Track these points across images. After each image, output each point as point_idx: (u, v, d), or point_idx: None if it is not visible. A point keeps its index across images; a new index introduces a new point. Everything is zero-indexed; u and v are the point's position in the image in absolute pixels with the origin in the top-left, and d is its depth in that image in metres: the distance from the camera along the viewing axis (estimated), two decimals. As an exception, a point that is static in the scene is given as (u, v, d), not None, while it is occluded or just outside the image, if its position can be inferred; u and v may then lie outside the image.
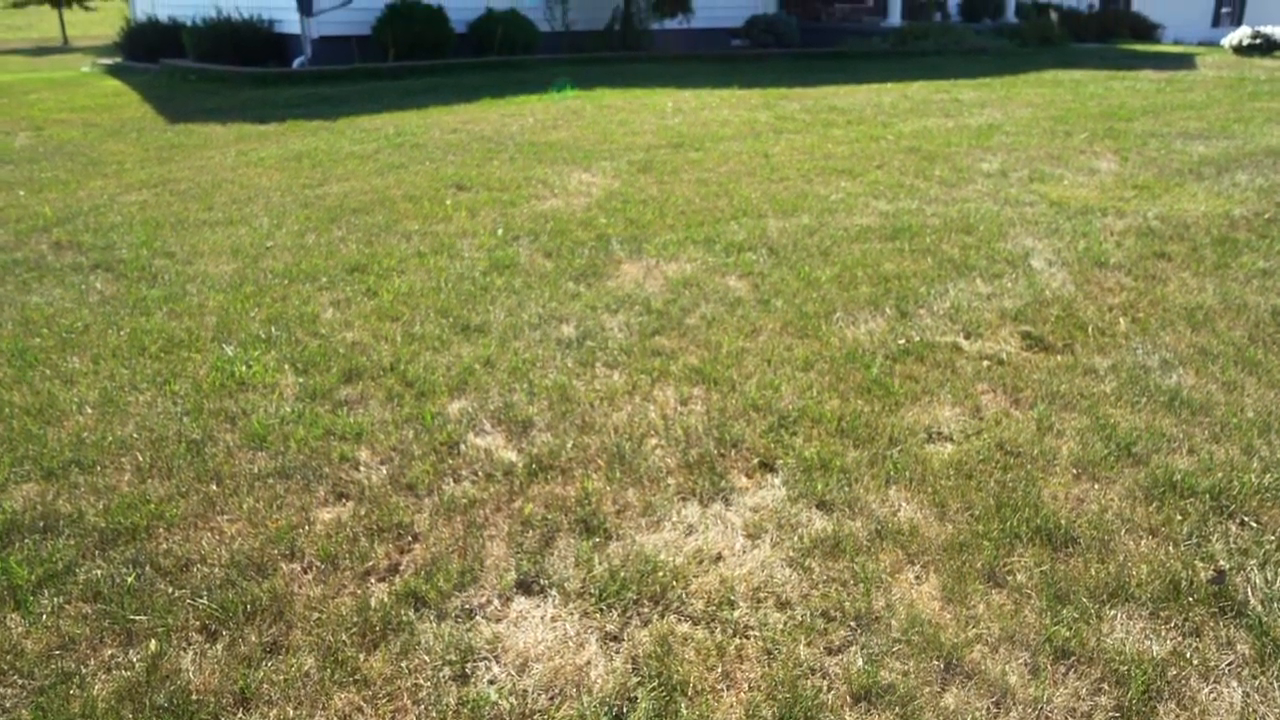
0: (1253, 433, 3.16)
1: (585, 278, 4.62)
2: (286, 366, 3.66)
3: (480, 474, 2.93)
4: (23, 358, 3.76)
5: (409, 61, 13.77)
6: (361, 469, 2.96)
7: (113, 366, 3.66)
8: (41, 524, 2.67)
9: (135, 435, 3.14)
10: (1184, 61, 15.92)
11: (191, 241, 5.29)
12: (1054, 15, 20.87)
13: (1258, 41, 17.81)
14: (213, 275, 4.72)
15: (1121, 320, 4.10)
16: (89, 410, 3.32)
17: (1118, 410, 3.31)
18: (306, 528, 2.66)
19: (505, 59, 14.50)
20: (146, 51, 16.49)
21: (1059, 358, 3.75)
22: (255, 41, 14.50)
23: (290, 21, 14.30)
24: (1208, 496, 2.78)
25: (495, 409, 3.32)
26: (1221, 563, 2.50)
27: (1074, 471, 2.93)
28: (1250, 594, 2.39)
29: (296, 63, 14.01)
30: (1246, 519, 2.69)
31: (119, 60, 17.12)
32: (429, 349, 3.81)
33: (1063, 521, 2.66)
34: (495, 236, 5.27)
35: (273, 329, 4.01)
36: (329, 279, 4.63)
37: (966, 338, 3.93)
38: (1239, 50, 17.96)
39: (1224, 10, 33.06)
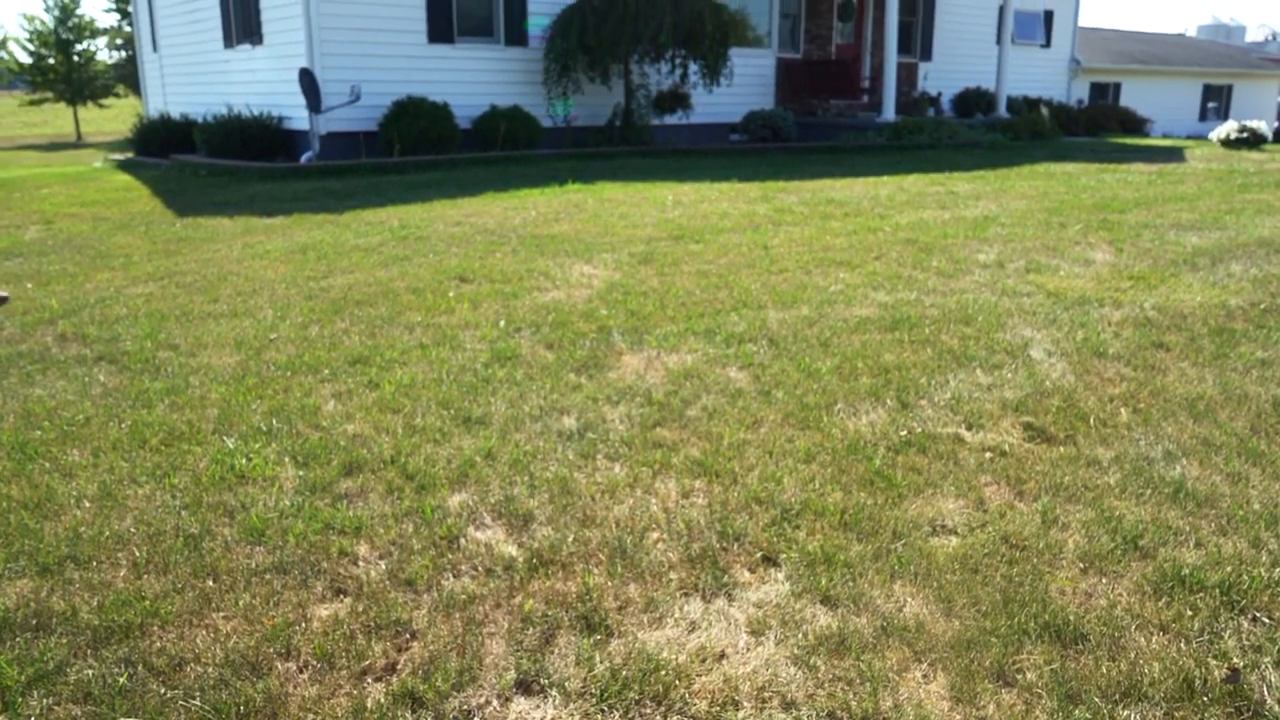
0: (1260, 525, 3.13)
1: (586, 369, 4.64)
2: (287, 459, 3.65)
3: (480, 569, 2.89)
4: (23, 451, 3.75)
5: (414, 156, 14.08)
6: (360, 564, 2.93)
7: (113, 459, 3.65)
8: (34, 622, 2.63)
9: (132, 530, 3.11)
10: (1174, 154, 16.26)
11: (196, 334, 5.32)
12: (1044, 110, 21.41)
13: (1245, 135, 18.24)
14: (216, 367, 4.75)
15: (1123, 411, 4.10)
16: (87, 504, 3.30)
17: (1123, 502, 3.29)
18: (303, 625, 2.62)
19: (508, 154, 14.82)
20: (158, 147, 16.89)
21: (1061, 449, 3.74)
22: (264, 137, 14.85)
23: (299, 118, 14.66)
24: (1218, 591, 2.74)
25: (496, 502, 3.29)
26: (1235, 661, 2.45)
27: (1081, 565, 2.90)
28: (1266, 693, 2.33)
29: (304, 158, 14.32)
30: (1258, 615, 2.65)
31: (131, 155, 17.51)
32: (430, 441, 3.80)
33: (1071, 618, 2.61)
34: (497, 328, 5.31)
35: (274, 421, 4.02)
36: (331, 371, 4.65)
37: (968, 429, 3.92)
38: (1227, 143, 18.37)
39: (1210, 105, 33.92)
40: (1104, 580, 2.82)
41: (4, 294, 5.25)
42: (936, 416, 4.04)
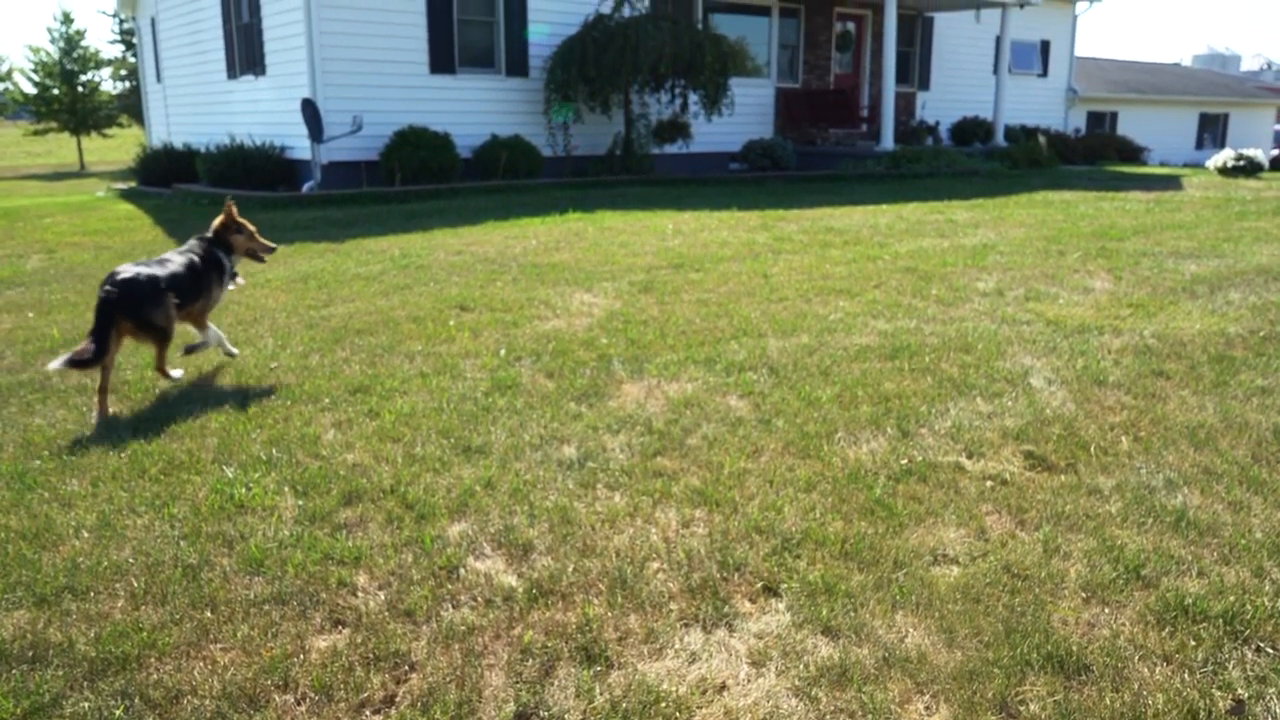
0: (1262, 554, 3.12)
1: (587, 398, 4.64)
2: (286, 489, 3.64)
3: (480, 599, 2.88)
4: (22, 480, 3.74)
5: (415, 186, 14.15)
6: (359, 594, 2.91)
7: (112, 489, 3.65)
8: (30, 653, 2.61)
9: (131, 560, 3.10)
10: (1171, 182, 16.34)
11: (195, 362, 5.32)
12: (1042, 139, 21.54)
13: (1241, 163, 18.34)
14: (215, 396, 4.74)
15: (1123, 439, 4.10)
16: (85, 534, 3.29)
17: (1124, 531, 3.28)
18: (301, 656, 2.60)
19: (509, 183, 14.90)
20: (160, 176, 16.99)
21: (1062, 477, 3.73)
22: (267, 167, 14.95)
23: (301, 148, 14.75)
24: (1221, 621, 2.73)
25: (496, 532, 3.28)
26: (1240, 691, 2.43)
27: (1083, 595, 2.89)
28: (1271, 725, 2.31)
29: (306, 187, 14.40)
30: (1262, 645, 2.63)
31: (134, 185, 17.61)
32: (430, 470, 3.79)
33: (1074, 648, 2.60)
34: (498, 357, 5.32)
35: (274, 450, 4.01)
36: (332, 400, 4.65)
37: (969, 457, 3.92)
38: (1224, 171, 18.46)
39: (1207, 133, 34.14)
40: (1106, 610, 2.81)
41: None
42: (937, 445, 4.04)
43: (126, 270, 4.64)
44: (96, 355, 4.39)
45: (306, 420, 4.38)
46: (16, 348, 5.75)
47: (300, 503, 3.51)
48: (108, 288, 4.51)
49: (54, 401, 4.72)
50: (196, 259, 5.02)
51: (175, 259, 4.95)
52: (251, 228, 5.30)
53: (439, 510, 3.44)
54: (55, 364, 4.38)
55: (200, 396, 4.74)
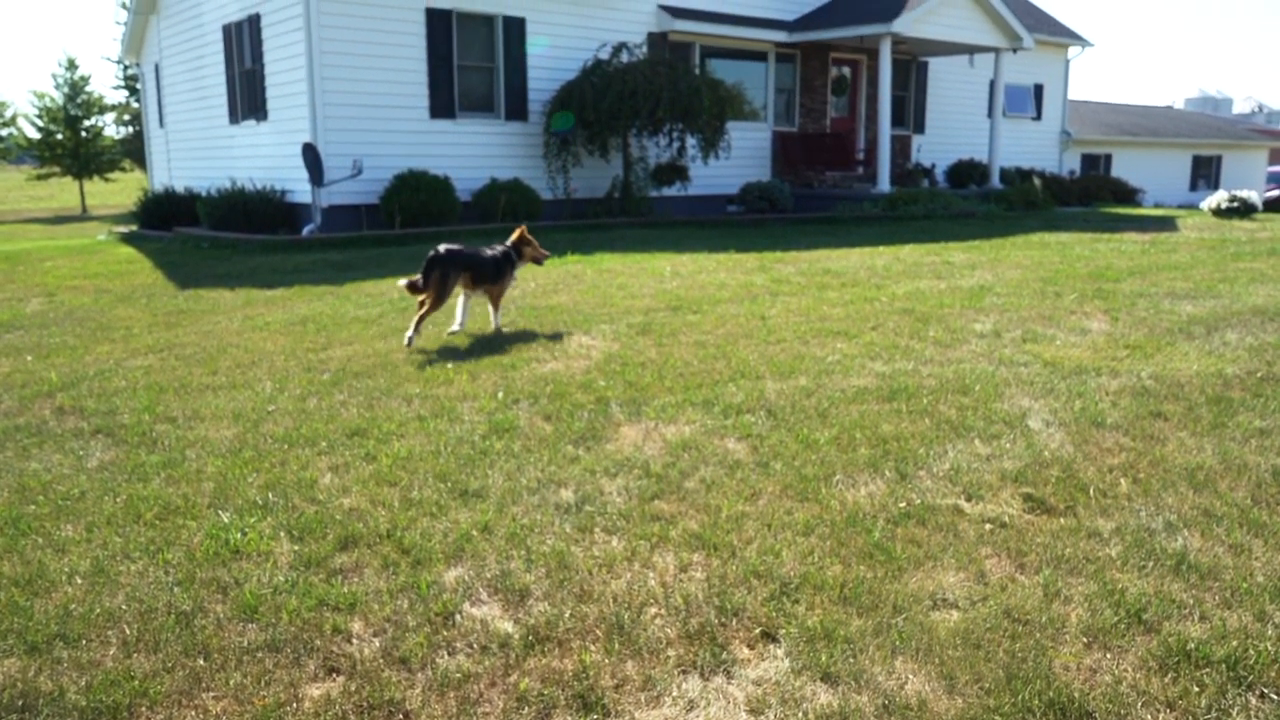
0: (1265, 598, 3.10)
1: (584, 441, 4.63)
2: (282, 534, 3.62)
3: (475, 646, 2.85)
4: (16, 526, 3.72)
5: (415, 229, 14.23)
6: (354, 641, 2.89)
7: (106, 534, 3.63)
8: (20, 703, 2.58)
9: (124, 607, 3.08)
10: (1166, 224, 16.44)
11: (194, 406, 5.33)
12: (1037, 181, 21.69)
13: (1235, 205, 18.47)
14: (213, 440, 4.74)
15: (1122, 481, 4.09)
16: (79, 580, 3.27)
17: (1125, 575, 3.26)
18: (294, 705, 2.57)
19: (508, 226, 14.97)
20: (162, 220, 17.09)
21: (1062, 520, 3.71)
22: (267, 210, 15.04)
23: (302, 191, 14.86)
24: (1224, 666, 2.70)
25: (492, 577, 3.26)
26: (1244, 739, 2.40)
27: (1084, 640, 2.86)
28: (1277, 773, 2.28)
29: (306, 230, 14.48)
30: (1266, 691, 2.61)
31: (135, 228, 17.70)
32: (426, 515, 3.78)
33: (1076, 694, 2.57)
34: (495, 400, 5.31)
35: (270, 495, 4.00)
36: (329, 443, 4.64)
37: (967, 500, 3.90)
38: (1218, 213, 18.59)
39: (1200, 175, 34.44)
40: (1108, 655, 2.78)
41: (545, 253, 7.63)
42: (935, 488, 4.03)
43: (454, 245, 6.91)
44: (421, 286, 6.78)
45: (303, 464, 4.37)
46: (14, 391, 5.75)
47: (296, 548, 3.49)
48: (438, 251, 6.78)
49: (50, 446, 4.71)
50: (501, 255, 7.13)
51: (489, 251, 7.10)
52: (535, 241, 7.41)
53: (435, 555, 3.42)
54: (402, 283, 6.95)
55: (197, 440, 4.74)
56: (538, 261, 7.46)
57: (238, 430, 4.89)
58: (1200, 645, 2.80)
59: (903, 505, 3.83)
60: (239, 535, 3.60)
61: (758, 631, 2.92)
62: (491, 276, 7.00)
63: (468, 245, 7.05)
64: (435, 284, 6.69)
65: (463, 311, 7.17)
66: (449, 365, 6.10)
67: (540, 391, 5.45)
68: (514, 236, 7.28)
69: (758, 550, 3.44)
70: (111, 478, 4.24)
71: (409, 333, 6.66)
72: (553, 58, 16.58)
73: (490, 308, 7.19)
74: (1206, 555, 3.40)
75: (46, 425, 5.05)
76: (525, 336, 6.91)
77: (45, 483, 4.20)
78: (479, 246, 7.15)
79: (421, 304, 6.77)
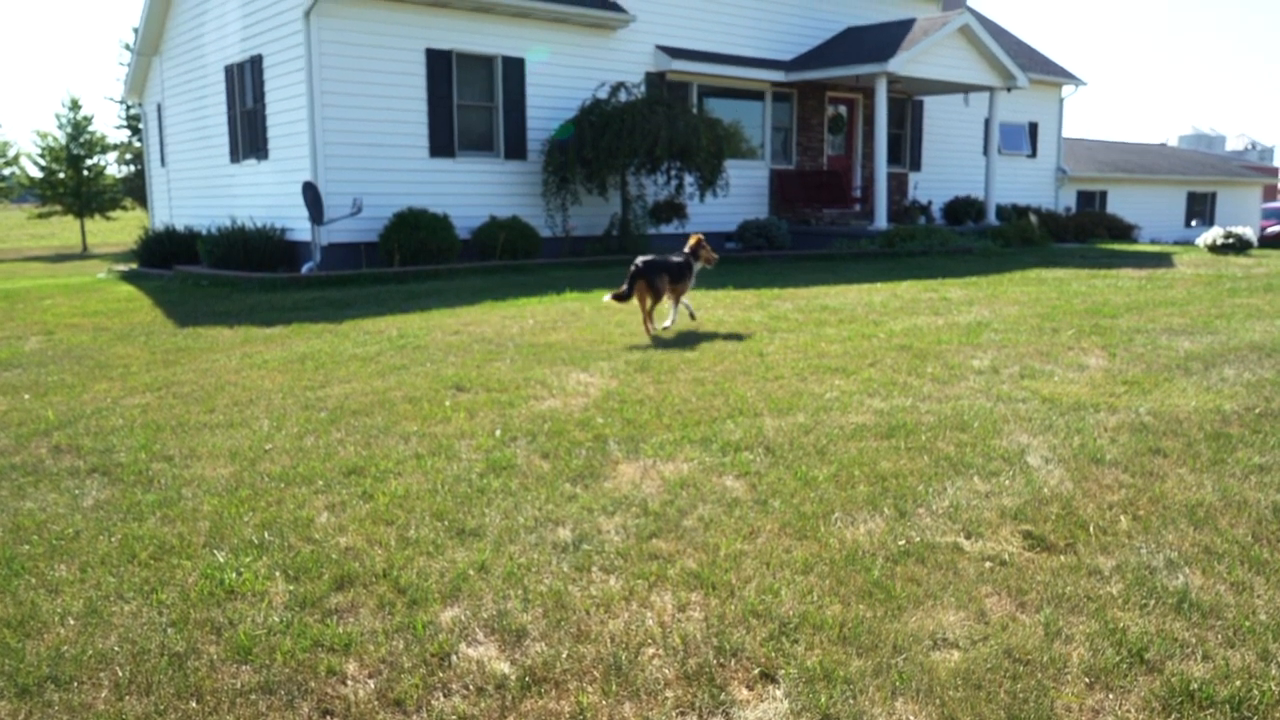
0: (1268, 636, 3.07)
1: (582, 479, 4.61)
2: (277, 573, 3.60)
3: (471, 687, 2.82)
4: (9, 566, 3.70)
5: (414, 266, 14.29)
6: (348, 683, 2.86)
7: (100, 575, 3.60)
8: (10, 747, 2.55)
9: (117, 648, 3.05)
10: (1162, 260, 16.51)
11: (191, 444, 5.31)
12: (1034, 218, 21.83)
13: (1230, 241, 18.57)
14: (209, 479, 4.72)
15: (1122, 518, 4.07)
16: (71, 621, 3.24)
17: (1126, 613, 3.23)
18: (287, 749, 2.54)
19: (507, 263, 15.05)
20: (162, 258, 17.17)
21: (1062, 558, 3.69)
22: (267, 248, 15.11)
23: (302, 230, 14.94)
24: (1228, 707, 2.68)
25: (489, 617, 3.24)
26: (1249, 781, 2.37)
27: (1086, 680, 2.83)
28: (1283, 816, 2.25)
29: (306, 268, 14.53)
30: (1270, 731, 2.58)
31: (135, 267, 17.78)
32: (423, 554, 3.75)
33: (1079, 736, 2.54)
34: (493, 438, 5.30)
35: (266, 534, 3.97)
36: (325, 482, 4.63)
37: (967, 538, 3.88)
38: (1214, 249, 18.69)
39: (1195, 212, 34.67)
40: (1110, 696, 2.76)
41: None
42: (935, 525, 4.01)
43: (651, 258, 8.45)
44: (626, 295, 8.25)
45: (300, 503, 4.35)
46: (11, 430, 5.74)
47: (291, 588, 3.47)
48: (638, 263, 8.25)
49: (46, 485, 4.69)
50: (684, 261, 8.65)
51: (676, 259, 8.62)
52: (708, 246, 8.84)
53: (431, 595, 3.39)
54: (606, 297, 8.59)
55: (194, 479, 4.72)
56: (710, 264, 8.88)
57: (234, 469, 4.87)
58: (1203, 685, 2.77)
59: (902, 543, 3.81)
60: (234, 575, 3.57)
61: (757, 672, 2.89)
62: (683, 278, 8.62)
63: (658, 256, 8.66)
64: (645, 288, 8.23)
65: (673, 310, 8.76)
66: (446, 403, 6.09)
67: (538, 429, 5.44)
68: (691, 243, 8.76)
69: (756, 589, 3.41)
70: (107, 517, 4.22)
71: (649, 325, 8.42)
72: (552, 97, 16.74)
73: (672, 302, 8.69)
74: (1208, 593, 3.38)
75: (43, 464, 5.03)
76: (523, 374, 6.91)
77: (40, 522, 4.17)
78: (666, 256, 8.71)
79: (644, 304, 8.36)
